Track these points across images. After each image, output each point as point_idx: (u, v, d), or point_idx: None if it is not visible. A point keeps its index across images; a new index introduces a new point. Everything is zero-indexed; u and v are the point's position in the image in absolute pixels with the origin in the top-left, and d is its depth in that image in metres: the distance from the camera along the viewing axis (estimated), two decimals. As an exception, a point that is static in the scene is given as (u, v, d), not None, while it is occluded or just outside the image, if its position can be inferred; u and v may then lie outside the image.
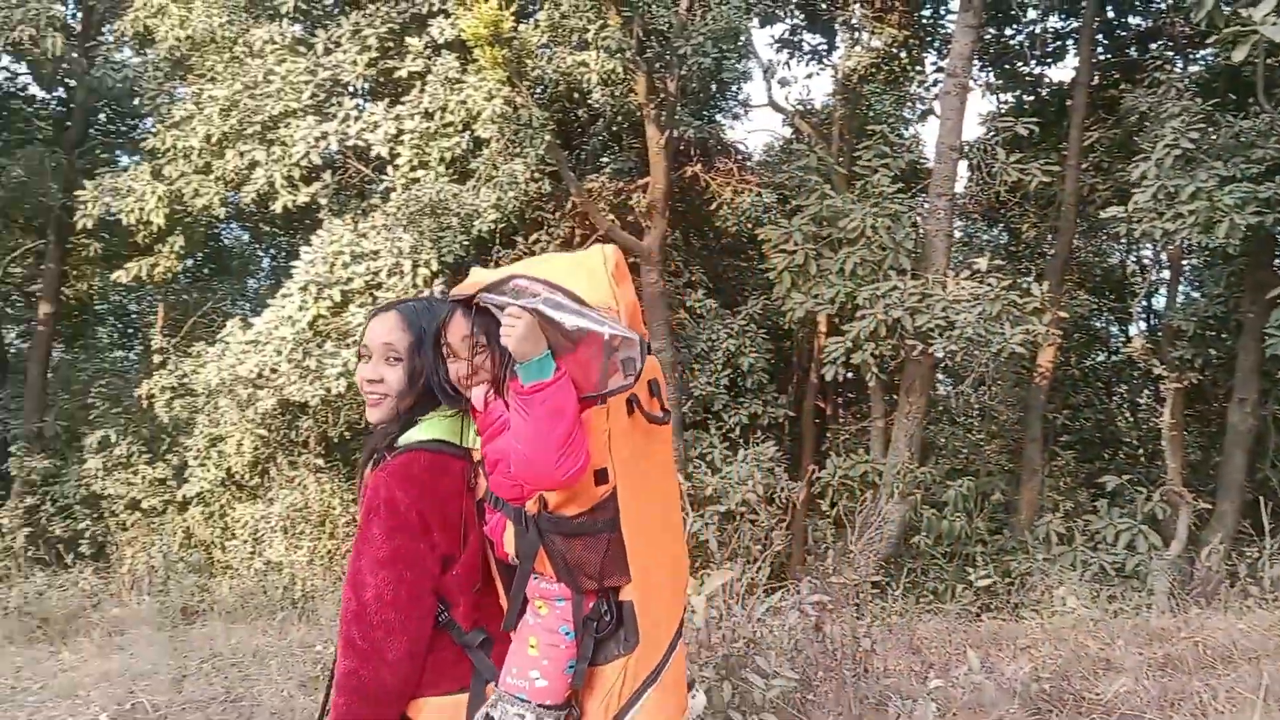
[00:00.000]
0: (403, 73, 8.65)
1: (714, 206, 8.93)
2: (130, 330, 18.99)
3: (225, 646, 5.52)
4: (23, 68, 14.20)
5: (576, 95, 9.44)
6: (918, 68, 10.84)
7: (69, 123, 14.16)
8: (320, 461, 10.97)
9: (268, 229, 13.74)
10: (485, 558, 1.94)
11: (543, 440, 1.68)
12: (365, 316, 2.21)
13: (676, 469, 2.32)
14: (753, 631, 3.34)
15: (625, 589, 1.85)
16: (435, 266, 8.48)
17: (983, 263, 7.29)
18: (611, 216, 8.49)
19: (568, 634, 1.84)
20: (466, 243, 8.02)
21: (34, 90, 15.08)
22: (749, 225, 8.99)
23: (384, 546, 1.82)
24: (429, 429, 1.93)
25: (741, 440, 8.25)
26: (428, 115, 8.49)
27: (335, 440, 11.38)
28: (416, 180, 8.42)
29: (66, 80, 14.34)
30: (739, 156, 10.50)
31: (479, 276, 1.87)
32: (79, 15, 13.33)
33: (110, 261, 13.98)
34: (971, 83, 8.69)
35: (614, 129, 9.82)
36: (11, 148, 15.02)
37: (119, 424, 12.01)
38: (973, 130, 15.05)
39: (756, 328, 8.86)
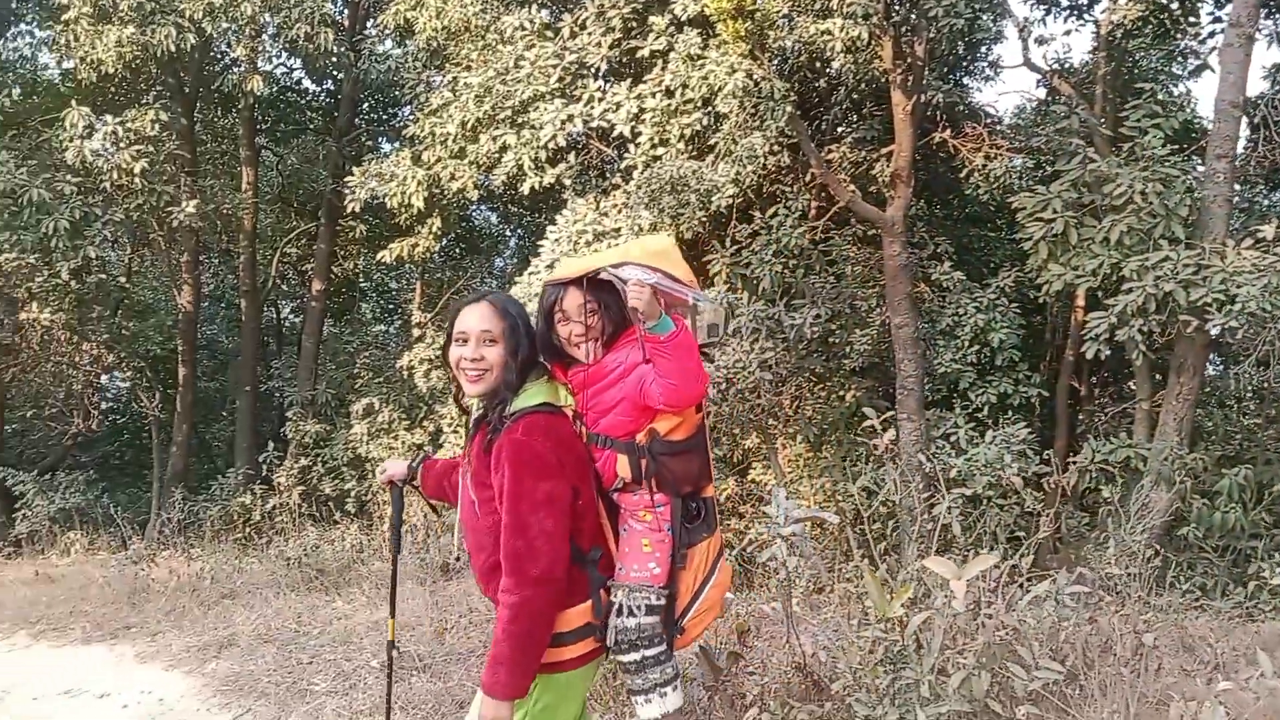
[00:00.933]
0: (645, 52, 8.97)
1: (962, 174, 8.69)
2: (391, 306, 20.77)
3: (480, 603, 5.88)
4: (298, 63, 15.80)
5: (818, 65, 9.45)
6: (1191, 19, 10.03)
7: (337, 113, 15.62)
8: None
9: (515, 210, 14.58)
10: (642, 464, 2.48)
11: (686, 369, 2.32)
12: (454, 307, 2.54)
13: None
14: (1016, 620, 3.31)
15: (707, 489, 2.58)
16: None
17: (1268, 230, 6.72)
18: (852, 187, 8.46)
19: (670, 530, 2.48)
20: (704, 218, 8.26)
21: (307, 83, 16.77)
22: (1000, 193, 8.68)
23: (539, 491, 2.28)
24: (535, 395, 2.40)
25: (989, 421, 8.04)
26: (668, 93, 8.78)
27: (576, 412, 12.03)
28: (657, 158, 8.73)
29: (335, 73, 15.83)
30: (989, 121, 10.13)
31: (575, 264, 2.57)
32: (345, 12, 14.67)
33: (374, 242, 15.38)
34: (1256, 33, 7.98)
35: (855, 97, 9.75)
36: (288, 137, 16.78)
37: (381, 392, 13.19)
38: (1256, 85, 13.79)
39: (1008, 301, 8.56)
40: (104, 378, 18.03)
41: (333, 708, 4.34)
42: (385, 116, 16.40)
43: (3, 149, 11.35)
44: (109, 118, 10.95)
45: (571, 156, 9.94)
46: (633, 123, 8.91)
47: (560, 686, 2.42)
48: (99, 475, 15.57)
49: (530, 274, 9.49)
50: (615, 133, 9.17)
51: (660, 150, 8.78)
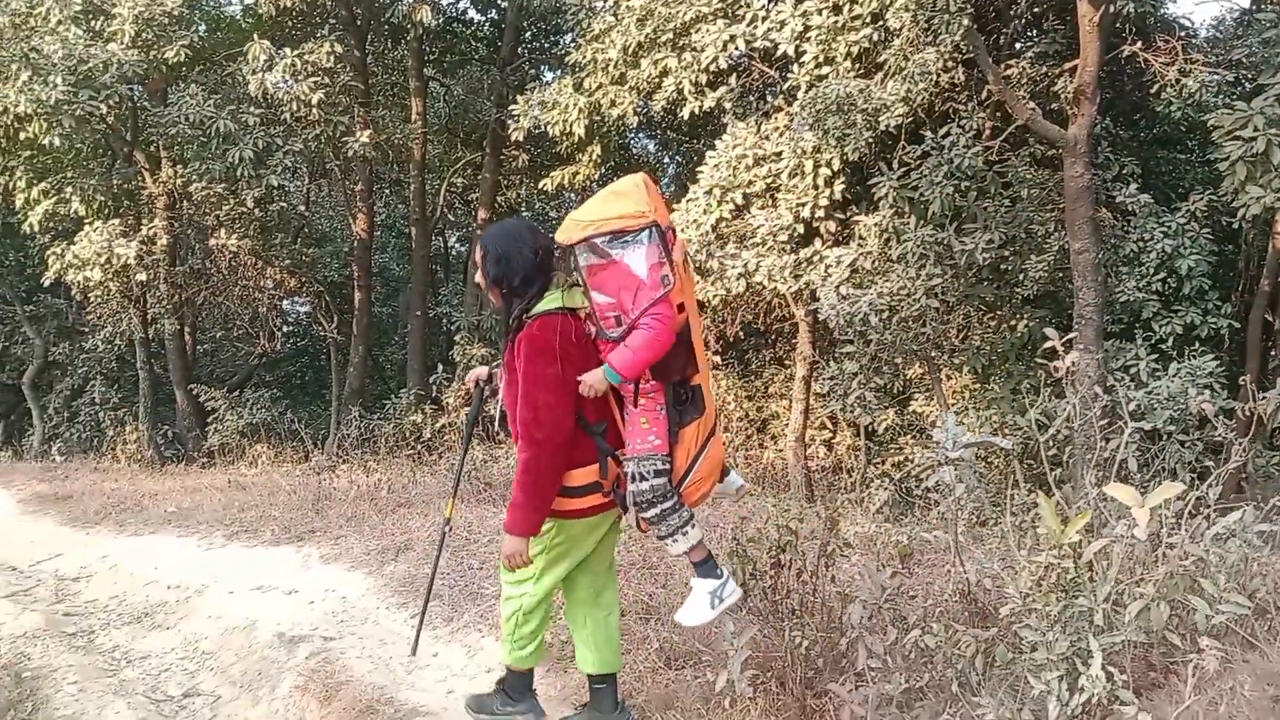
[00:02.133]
0: (810, -33, 8.68)
1: (1152, 91, 8.06)
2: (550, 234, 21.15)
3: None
4: (465, -7, 16.08)
5: (996, -25, 8.94)
6: None
7: (500, 42, 15.80)
8: (717, 359, 11.64)
9: (673, 136, 14.49)
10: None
11: (635, 365, 2.92)
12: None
13: None
14: (1202, 552, 3.14)
15: (695, 377, 3.07)
16: (836, 166, 8.55)
17: None
18: (1032, 105, 7.99)
19: (663, 410, 3.02)
20: (870, 139, 7.99)
21: (472, 13, 17.01)
22: (1194, 111, 8.03)
23: (544, 373, 2.93)
24: (550, 301, 3.05)
25: (1173, 353, 7.55)
26: (835, 9, 8.46)
27: (730, 340, 12.04)
28: (821, 78, 8.46)
29: (499, 1, 16.02)
30: (1184, 34, 9.36)
31: (562, 234, 3.02)
32: (511, -61, 14.75)
33: (536, 171, 15.62)
34: None
35: (1036, 9, 9.17)
36: (454, 68, 17.12)
37: (544, 318, 13.49)
38: None
39: (1198, 227, 7.96)
40: (286, 302, 19.16)
41: (500, 609, 4.55)
42: (547, 45, 16.48)
43: (192, 82, 12.02)
44: (287, 50, 11.43)
45: (732, 79, 9.77)
46: (797, 41, 8.66)
47: (571, 530, 3.16)
48: (282, 393, 16.61)
49: (689, 200, 9.45)
50: (779, 53, 8.95)
51: (825, 70, 8.51)
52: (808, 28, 8.61)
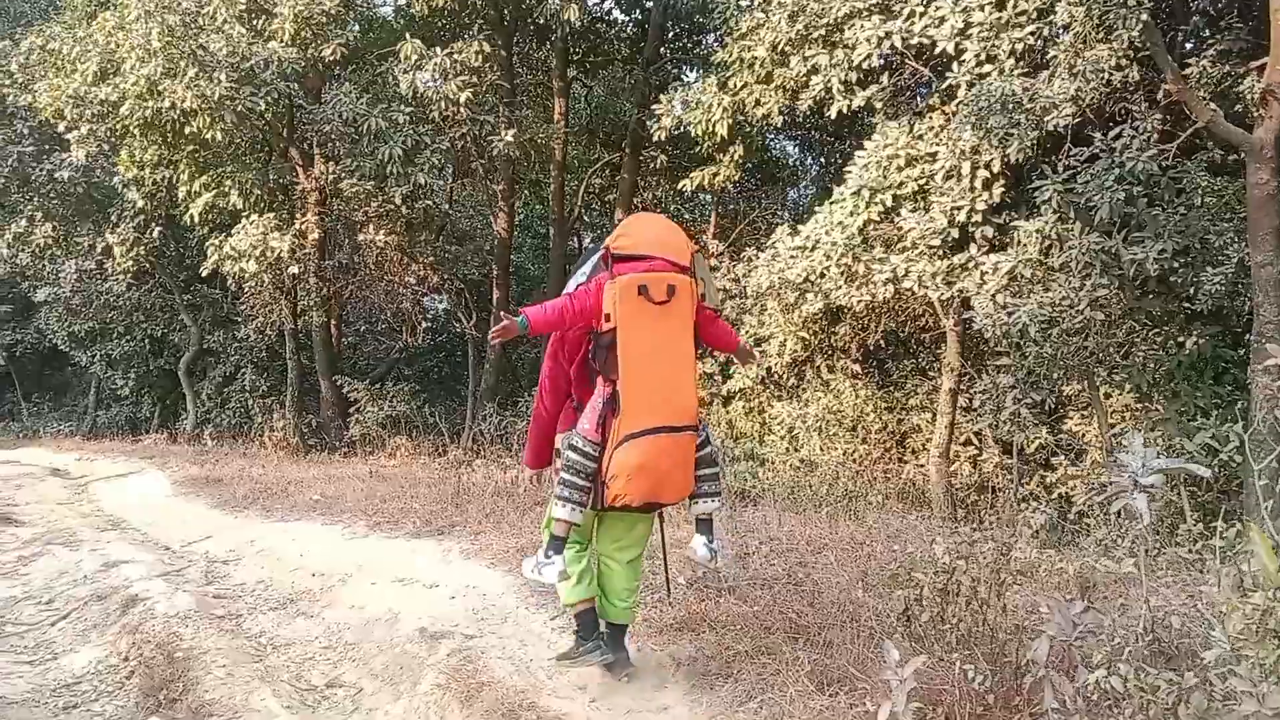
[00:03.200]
0: (972, -39, 8.31)
1: (1352, 92, 7.40)
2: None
3: (780, 532, 5.80)
4: (611, -7, 16.15)
5: (1176, -33, 8.38)
6: None
7: (644, 43, 15.81)
8: (857, 367, 11.31)
9: (816, 137, 14.21)
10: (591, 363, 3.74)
11: (545, 323, 3.66)
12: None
13: (689, 339, 3.68)
14: None
15: (619, 384, 3.51)
16: (996, 167, 8.15)
17: None
18: (1213, 106, 7.44)
19: (601, 403, 3.58)
20: (1035, 140, 7.57)
21: (617, 14, 17.08)
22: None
23: (547, 362, 3.91)
24: None
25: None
26: (999, 4, 8.08)
27: (871, 347, 11.69)
28: (982, 76, 8.09)
29: (644, 2, 16.01)
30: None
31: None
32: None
33: (674, 173, 15.55)
34: None
35: (1219, 5, 8.57)
36: (596, 69, 17.23)
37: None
38: None
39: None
40: (426, 299, 19.64)
41: (643, 617, 4.39)
42: (691, 45, 16.40)
43: (346, 81, 12.40)
44: (437, 50, 11.66)
45: (884, 78, 9.46)
46: (957, 38, 8.30)
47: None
48: (421, 387, 17.03)
49: (833, 202, 9.19)
50: (937, 50, 8.59)
51: (987, 68, 8.13)
52: (968, 24, 8.25)
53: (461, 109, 11.67)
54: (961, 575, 3.45)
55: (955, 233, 8.42)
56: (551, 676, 3.93)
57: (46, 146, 15.54)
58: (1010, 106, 7.35)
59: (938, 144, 8.56)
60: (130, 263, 15.97)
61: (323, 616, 5.06)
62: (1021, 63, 8.10)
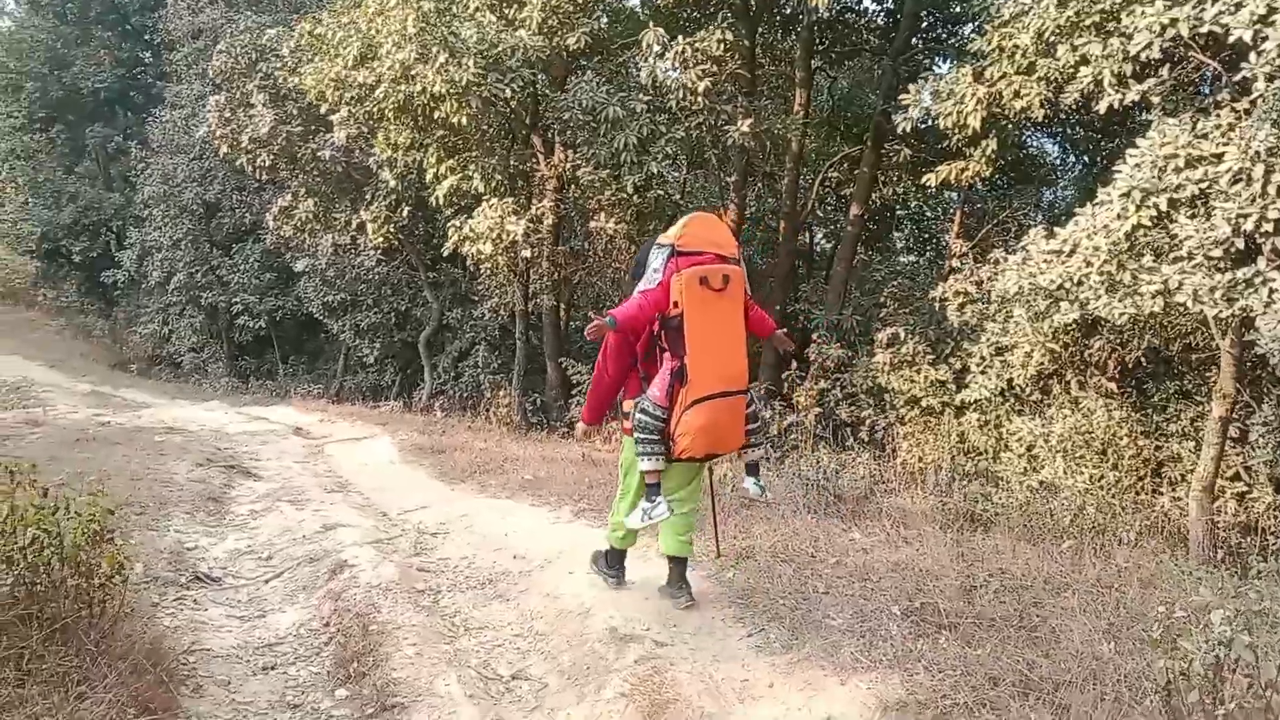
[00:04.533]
0: (1283, -64, 7.39)
1: None
2: (925, 236, 20.24)
3: (1013, 564, 5.32)
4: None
5: None
6: None
7: (894, 33, 15.26)
8: (1112, 385, 10.42)
9: (1080, 134, 13.23)
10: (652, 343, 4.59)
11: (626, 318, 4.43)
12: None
13: (740, 319, 4.55)
14: None
15: (686, 359, 4.33)
16: (1298, 172, 7.23)
17: None
18: None
19: (669, 375, 4.37)
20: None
21: (867, 3, 16.57)
22: None
23: (611, 338, 4.55)
24: None
25: None
26: (1313, -15, 7.17)
27: (1130, 365, 10.73)
28: (1287, 67, 7.20)
29: (899, -10, 15.45)
30: None
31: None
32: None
33: (917, 168, 14.93)
34: None
35: None
36: (842, 59, 16.80)
37: (907, 323, 12.85)
38: None
39: None
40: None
41: (850, 649, 4.07)
42: (945, 35, 15.68)
43: (589, 69, 12.63)
44: (680, 38, 11.67)
45: (1164, 70, 8.61)
46: (1258, 25, 7.41)
47: (630, 445, 4.70)
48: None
49: (1097, 204, 8.45)
50: (1230, 39, 7.71)
51: (1293, 58, 7.21)
52: (1273, 9, 7.34)
53: (699, 98, 11.62)
54: (1243, 650, 2.97)
55: (1240, 243, 7.53)
56: (743, 701, 3.75)
57: (313, 128, 16.80)
58: (1322, 102, 6.47)
59: (1225, 144, 7.68)
60: (381, 239, 17.04)
61: (518, 602, 5.11)
62: (1336, 53, 7.13)
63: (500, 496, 7.61)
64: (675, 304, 4.33)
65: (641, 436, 4.45)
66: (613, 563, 5.08)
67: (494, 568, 5.75)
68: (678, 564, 4.83)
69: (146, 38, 30.18)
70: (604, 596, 4.94)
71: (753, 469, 4.87)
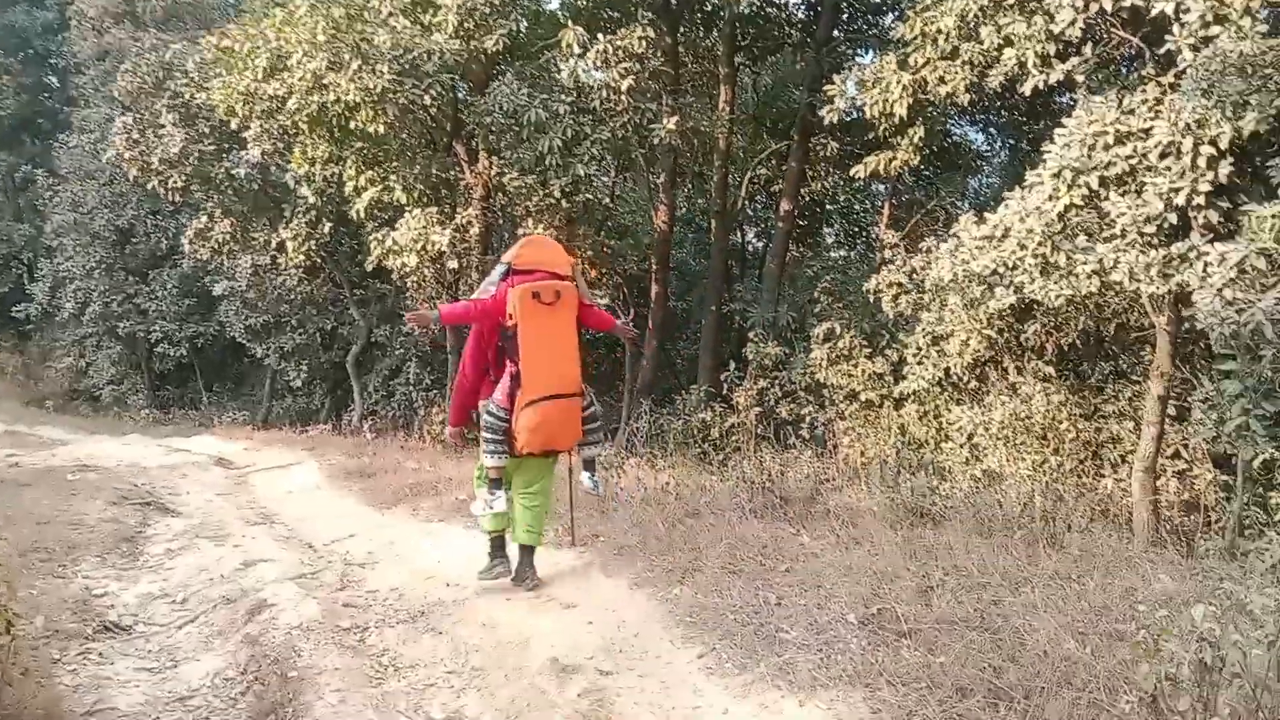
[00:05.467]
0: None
1: None
2: (855, 230, 20.21)
3: (967, 560, 5.06)
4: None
5: None
6: None
7: (816, 26, 15.16)
8: (1050, 370, 10.35)
9: (1005, 118, 13.24)
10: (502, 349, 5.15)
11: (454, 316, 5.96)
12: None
13: (573, 329, 5.11)
14: None
15: (520, 365, 4.88)
16: (1225, 143, 7.17)
17: None
18: None
19: (507, 380, 4.96)
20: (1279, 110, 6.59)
21: (786, -3, 16.47)
22: None
23: (469, 343, 5.24)
24: None
25: None
26: (1231, -45, 7.13)
27: (1065, 348, 10.68)
28: (1209, 40, 7.14)
29: (814, -18, 15.36)
30: None
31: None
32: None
33: (844, 162, 14.86)
34: None
35: None
36: (765, 54, 16.66)
37: (842, 318, 12.72)
38: None
39: None
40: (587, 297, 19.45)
41: (806, 664, 3.81)
42: (865, 26, 15.64)
43: (509, 72, 12.30)
44: (600, 36, 11.39)
45: (1087, 49, 8.56)
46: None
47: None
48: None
49: (1026, 186, 8.36)
50: (1153, 13, 7.66)
51: (1215, 29, 7.16)
52: (1193, -18, 7.29)
53: (623, 97, 11.35)
54: (1231, 648, 2.73)
55: (1173, 218, 7.46)
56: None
57: (225, 146, 16.20)
58: (1250, 70, 6.41)
59: (1153, 118, 7.62)
60: (302, 257, 16.48)
61: (452, 634, 4.76)
62: (1257, 21, 7.09)
63: (433, 520, 7.24)
64: (510, 316, 4.90)
65: (487, 435, 5.04)
66: (494, 554, 5.48)
67: (426, 598, 5.38)
68: (527, 551, 5.37)
69: (51, 62, 29.12)
70: (543, 624, 4.63)
71: (589, 465, 5.47)
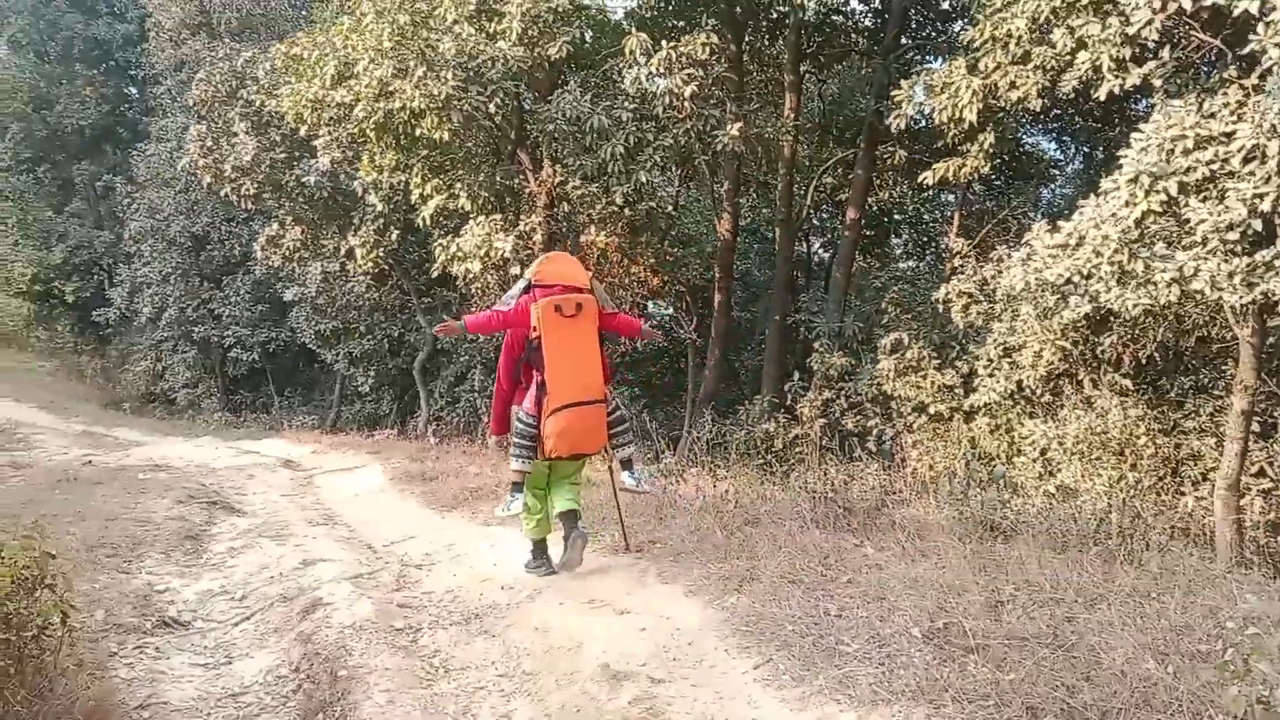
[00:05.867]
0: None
1: None
2: (923, 241, 19.90)
3: (1040, 575, 4.84)
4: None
5: None
6: None
7: (882, 33, 14.97)
8: (1127, 383, 10.03)
9: (1079, 124, 12.91)
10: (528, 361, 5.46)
11: (479, 326, 5.61)
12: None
13: (594, 339, 5.36)
14: None
15: (544, 375, 5.18)
16: (1315, 147, 6.88)
17: None
18: None
19: (534, 389, 5.27)
20: (1372, 111, 6.30)
21: (854, 3, 16.28)
22: None
23: (502, 355, 5.57)
24: None
25: None
26: (1321, -49, 6.84)
27: (1144, 360, 10.35)
28: (1298, 39, 6.86)
29: (886, -11, 15.16)
30: None
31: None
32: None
33: (913, 170, 14.63)
34: None
35: None
36: (831, 62, 16.51)
37: (910, 328, 12.50)
38: None
39: None
40: (650, 305, 19.48)
41: (867, 678, 3.68)
42: (934, 33, 15.39)
43: (573, 80, 12.33)
44: (664, 43, 11.36)
45: (1165, 51, 8.29)
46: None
47: (541, 464, 5.61)
48: (643, 393, 16.85)
49: (1102, 193, 8.11)
50: (1235, 12, 7.39)
51: (1303, 28, 6.88)
52: (1280, -20, 7.01)
53: (686, 103, 11.31)
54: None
55: (1257, 224, 7.17)
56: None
57: (296, 154, 16.52)
58: (1341, 68, 6.13)
59: (1235, 122, 7.34)
60: (370, 264, 16.72)
61: (504, 638, 4.72)
62: (1351, 19, 6.80)
63: (491, 524, 7.23)
64: (534, 329, 5.21)
65: (516, 441, 5.41)
66: (537, 555, 5.88)
67: (480, 600, 5.38)
68: (569, 517, 5.70)
69: (131, 73, 30.04)
70: (596, 629, 4.57)
71: (626, 464, 5.77)
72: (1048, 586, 4.62)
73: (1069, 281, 8.50)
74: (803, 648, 4.11)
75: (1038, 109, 10.01)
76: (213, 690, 4.24)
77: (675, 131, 11.96)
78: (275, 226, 17.70)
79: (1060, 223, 8.89)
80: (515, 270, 12.35)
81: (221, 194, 17.65)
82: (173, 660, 4.61)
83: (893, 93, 10.92)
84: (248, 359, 23.27)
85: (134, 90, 31.24)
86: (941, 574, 4.93)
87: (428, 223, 13.38)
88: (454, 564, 6.20)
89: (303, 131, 13.19)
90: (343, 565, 6.11)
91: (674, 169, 15.78)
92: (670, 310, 17.24)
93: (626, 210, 12.60)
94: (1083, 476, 9.71)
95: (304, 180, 16.52)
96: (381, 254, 16.66)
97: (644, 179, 11.70)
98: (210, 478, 10.27)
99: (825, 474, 8.50)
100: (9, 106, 28.86)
